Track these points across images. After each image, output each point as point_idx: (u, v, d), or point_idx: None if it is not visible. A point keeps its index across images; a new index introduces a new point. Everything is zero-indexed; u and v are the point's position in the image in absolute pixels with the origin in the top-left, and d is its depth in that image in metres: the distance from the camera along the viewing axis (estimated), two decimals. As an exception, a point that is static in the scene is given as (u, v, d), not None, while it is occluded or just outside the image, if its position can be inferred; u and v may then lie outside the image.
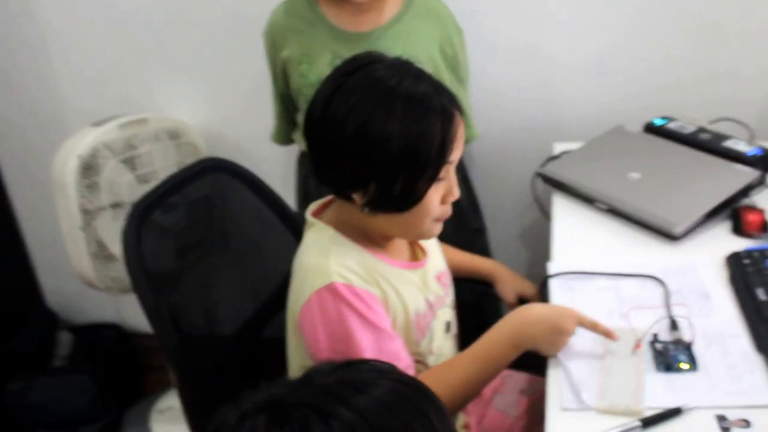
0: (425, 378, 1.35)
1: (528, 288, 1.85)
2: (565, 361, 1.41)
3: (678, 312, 1.50)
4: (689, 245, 1.72)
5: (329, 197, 1.46)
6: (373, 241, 1.43)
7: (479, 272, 1.85)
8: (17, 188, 2.87)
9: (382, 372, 0.87)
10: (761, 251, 1.62)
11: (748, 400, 1.31)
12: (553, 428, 1.30)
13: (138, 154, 2.36)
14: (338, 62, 1.85)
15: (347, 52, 1.86)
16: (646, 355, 1.41)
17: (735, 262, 1.62)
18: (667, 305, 1.52)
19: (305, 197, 2.16)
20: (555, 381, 1.39)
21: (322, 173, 1.36)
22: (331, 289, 1.32)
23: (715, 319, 1.49)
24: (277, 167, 2.43)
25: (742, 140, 1.96)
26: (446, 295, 1.57)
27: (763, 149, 1.91)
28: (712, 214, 1.76)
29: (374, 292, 1.36)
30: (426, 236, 1.44)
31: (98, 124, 2.33)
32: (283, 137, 2.23)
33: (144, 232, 1.48)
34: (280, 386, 0.84)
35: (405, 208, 1.32)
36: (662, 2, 2.16)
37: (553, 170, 1.99)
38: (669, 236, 1.72)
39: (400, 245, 1.49)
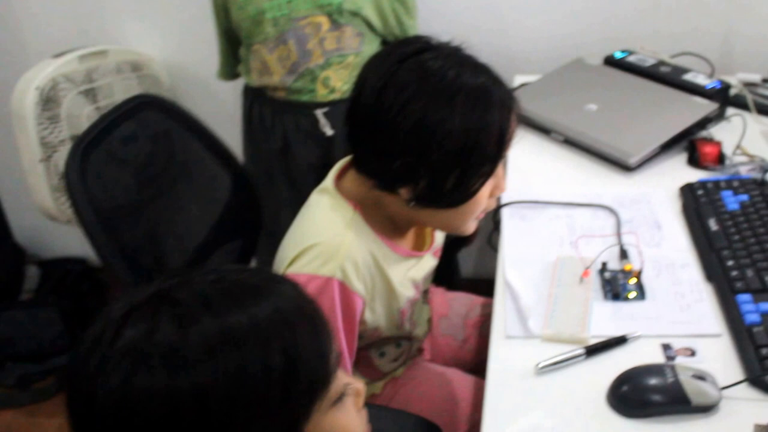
0: None
1: None
2: (513, 289, 1.35)
3: (628, 241, 1.44)
4: (644, 176, 1.66)
5: (346, 161, 1.33)
6: (391, 224, 1.31)
7: None
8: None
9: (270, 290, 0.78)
10: (715, 182, 1.56)
11: (694, 329, 1.25)
12: (496, 356, 1.24)
13: (99, 86, 2.28)
14: None
15: None
16: (594, 283, 1.36)
17: (688, 192, 1.56)
18: (618, 234, 1.46)
19: (249, 128, 2.11)
20: (501, 308, 1.33)
21: (368, 166, 1.23)
22: (326, 282, 1.21)
23: (666, 248, 1.44)
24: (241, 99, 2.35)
25: (702, 74, 1.89)
26: (433, 266, 1.48)
27: (723, 82, 1.84)
28: (669, 146, 1.70)
29: (362, 296, 1.25)
30: (465, 232, 1.32)
31: (58, 55, 2.24)
32: (229, 73, 2.18)
33: (88, 173, 1.40)
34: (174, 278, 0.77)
35: (455, 204, 1.22)
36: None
37: (512, 102, 1.91)
38: (624, 167, 1.66)
39: (416, 232, 1.39)
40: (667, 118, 1.74)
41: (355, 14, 1.87)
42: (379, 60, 1.21)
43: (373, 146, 1.20)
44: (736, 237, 1.41)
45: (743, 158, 1.69)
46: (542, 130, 1.80)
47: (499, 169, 1.25)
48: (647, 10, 2.14)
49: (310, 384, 0.74)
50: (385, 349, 1.48)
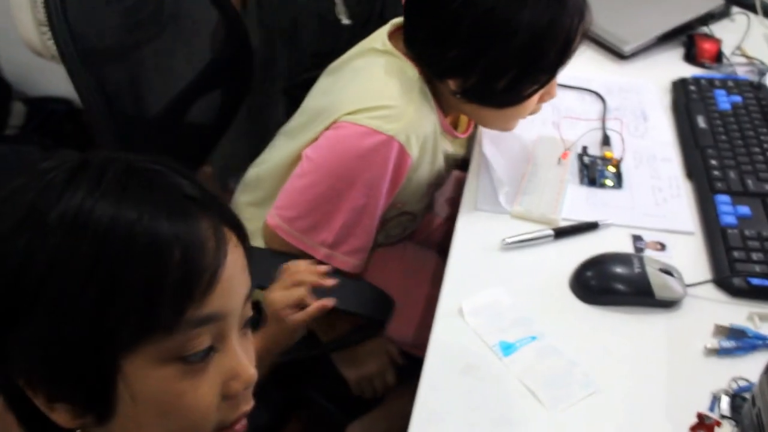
0: None
1: None
2: (489, 162, 1.27)
3: (612, 128, 1.36)
4: (637, 66, 1.57)
5: (396, 25, 1.23)
6: (442, 99, 1.22)
7: None
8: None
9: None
10: (710, 80, 1.48)
11: (667, 224, 1.19)
12: (463, 227, 1.18)
13: None
14: None
15: None
16: (572, 166, 1.28)
17: (681, 87, 1.47)
18: (602, 120, 1.38)
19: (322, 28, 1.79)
20: (474, 181, 1.26)
21: (420, 49, 1.16)
22: (387, 141, 1.13)
23: (649, 140, 1.36)
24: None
25: (712, -32, 1.78)
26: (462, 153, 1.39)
27: (732, -21, 1.73)
28: (666, 38, 1.61)
29: (414, 159, 1.17)
30: (505, 130, 1.27)
31: None
32: None
33: (71, 11, 1.28)
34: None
35: (502, 106, 1.16)
36: None
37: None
38: (617, 54, 1.57)
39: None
40: (669, 9, 1.64)
41: None
42: None
43: (431, 31, 1.12)
44: (723, 137, 1.33)
45: (742, 59, 1.59)
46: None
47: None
48: None
49: (134, 315, 0.59)
50: (392, 231, 1.41)
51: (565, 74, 1.47)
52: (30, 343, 0.59)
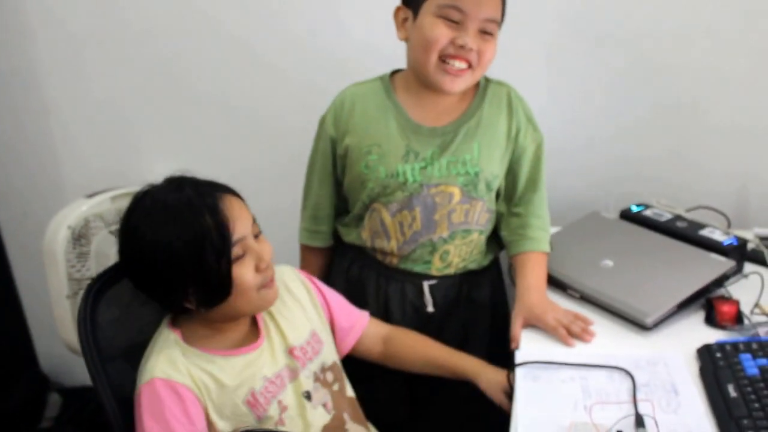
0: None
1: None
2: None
3: (645, 408, 1.37)
4: (661, 335, 1.60)
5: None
6: (216, 332, 1.43)
7: (461, 373, 1.66)
8: (17, 255, 2.78)
9: None
10: (734, 344, 1.50)
11: (713, 505, 1.17)
12: None
13: (129, 226, 2.29)
14: (411, 157, 1.71)
15: (421, 148, 1.70)
16: (609, 453, 1.28)
17: (706, 355, 1.50)
18: (634, 401, 1.39)
19: (347, 288, 1.86)
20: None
21: (157, 300, 1.40)
22: (151, 385, 1.33)
23: (683, 415, 1.36)
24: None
25: (719, 229, 1.86)
26: (302, 367, 1.50)
27: (739, 239, 1.80)
28: (686, 304, 1.64)
29: (193, 390, 1.35)
30: (264, 305, 1.45)
31: (91, 195, 2.26)
32: (321, 235, 1.92)
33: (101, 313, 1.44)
34: None
35: (227, 294, 1.34)
36: (643, 98, 2.12)
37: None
38: (640, 326, 1.60)
39: (240, 330, 1.47)
40: (684, 275, 1.70)
41: (489, 188, 1.74)
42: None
43: (146, 283, 1.37)
44: (756, 405, 1.33)
45: (762, 318, 1.63)
46: (559, 286, 1.76)
47: (251, 246, 1.37)
48: (663, 163, 2.13)
49: None
50: None
51: (592, 352, 1.52)
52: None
